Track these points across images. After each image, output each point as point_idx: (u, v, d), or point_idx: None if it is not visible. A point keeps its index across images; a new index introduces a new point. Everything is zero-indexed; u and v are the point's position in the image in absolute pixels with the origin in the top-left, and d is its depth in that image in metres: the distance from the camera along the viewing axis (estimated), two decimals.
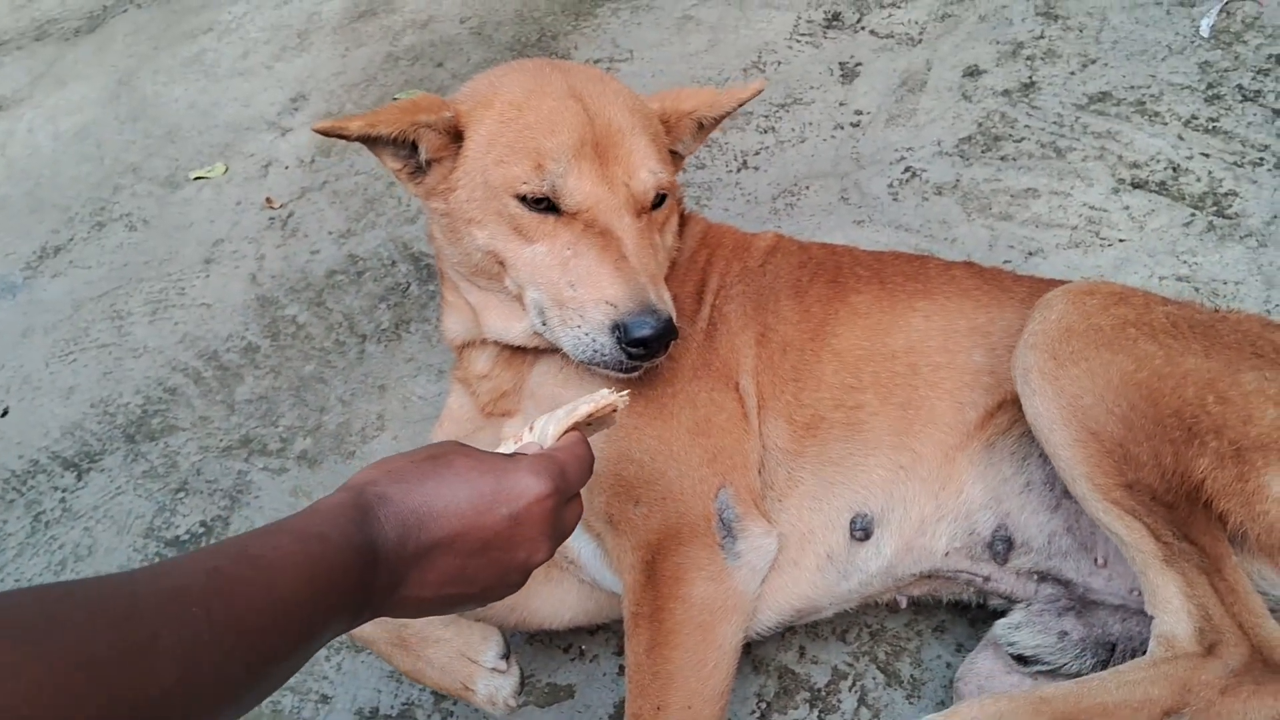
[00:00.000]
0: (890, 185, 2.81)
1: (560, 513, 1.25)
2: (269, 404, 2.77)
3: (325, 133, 1.68)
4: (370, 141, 1.71)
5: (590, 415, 1.35)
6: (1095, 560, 1.66)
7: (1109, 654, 1.63)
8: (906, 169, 2.83)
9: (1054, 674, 1.67)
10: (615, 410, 1.38)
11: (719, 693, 1.63)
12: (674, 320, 1.62)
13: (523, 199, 1.66)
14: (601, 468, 1.70)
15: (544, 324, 1.71)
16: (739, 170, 2.99)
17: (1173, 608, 1.47)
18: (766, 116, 3.13)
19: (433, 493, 1.15)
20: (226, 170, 3.61)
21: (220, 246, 3.30)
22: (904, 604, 1.84)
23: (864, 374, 1.77)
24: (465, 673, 1.78)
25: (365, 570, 1.06)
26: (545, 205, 1.66)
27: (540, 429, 1.36)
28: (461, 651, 1.80)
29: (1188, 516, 1.46)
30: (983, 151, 2.81)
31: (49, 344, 3.14)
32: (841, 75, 3.20)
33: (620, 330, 1.59)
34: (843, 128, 3.02)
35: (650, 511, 1.67)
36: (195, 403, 2.83)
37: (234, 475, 2.62)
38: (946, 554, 1.73)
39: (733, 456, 1.73)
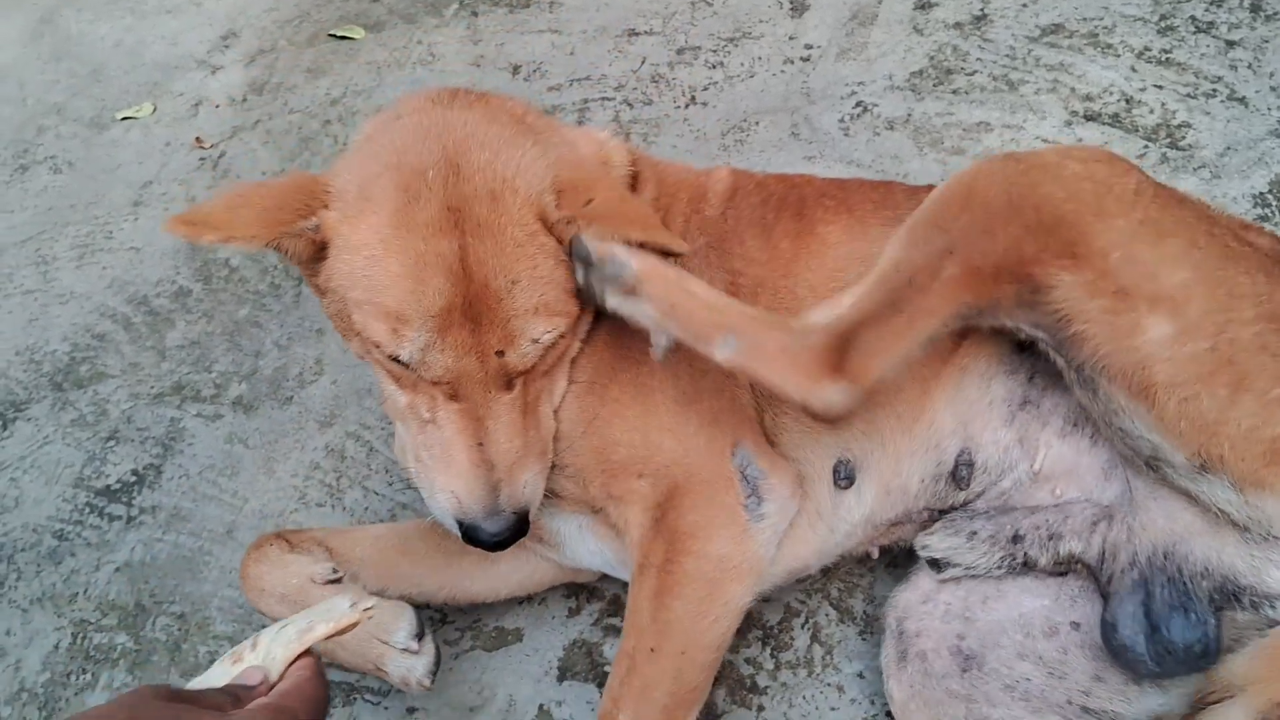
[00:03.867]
0: (841, 120, 2.75)
1: None
2: (202, 349, 2.68)
3: (179, 235, 1.44)
4: None
5: (327, 636, 1.22)
6: (1032, 467, 1.64)
7: (1015, 545, 1.62)
8: (858, 104, 2.78)
9: (968, 577, 1.67)
10: (358, 624, 1.24)
11: (716, 645, 1.59)
12: (528, 515, 1.54)
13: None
14: (586, 460, 1.64)
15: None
16: (687, 106, 2.92)
17: (833, 306, 1.52)
18: (715, 51, 3.06)
19: None
20: (155, 110, 3.47)
21: (149, 189, 3.18)
22: (876, 554, 1.80)
23: None
24: (376, 654, 1.69)
25: None
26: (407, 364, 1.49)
27: (265, 649, 1.21)
28: (372, 633, 1.70)
29: (970, 282, 1.45)
30: (934, 85, 2.75)
31: None
32: (791, 9, 3.13)
33: (462, 527, 1.52)
34: (792, 62, 2.96)
35: (657, 480, 1.61)
36: (125, 349, 2.73)
37: (166, 423, 2.53)
38: (918, 494, 1.69)
39: (734, 414, 1.66)
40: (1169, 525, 1.48)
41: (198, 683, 1.20)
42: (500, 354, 1.48)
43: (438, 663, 1.74)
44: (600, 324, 1.66)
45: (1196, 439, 1.37)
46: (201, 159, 3.23)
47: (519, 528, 1.53)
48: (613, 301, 1.53)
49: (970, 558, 1.65)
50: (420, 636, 1.72)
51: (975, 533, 1.65)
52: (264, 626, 1.37)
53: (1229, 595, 1.43)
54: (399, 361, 1.48)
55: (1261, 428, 1.35)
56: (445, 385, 1.49)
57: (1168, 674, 1.48)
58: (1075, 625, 1.59)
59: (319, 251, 1.52)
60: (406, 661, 1.69)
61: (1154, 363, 1.37)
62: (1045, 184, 1.45)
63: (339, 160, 1.59)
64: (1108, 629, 1.51)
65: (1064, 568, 1.60)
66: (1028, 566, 1.62)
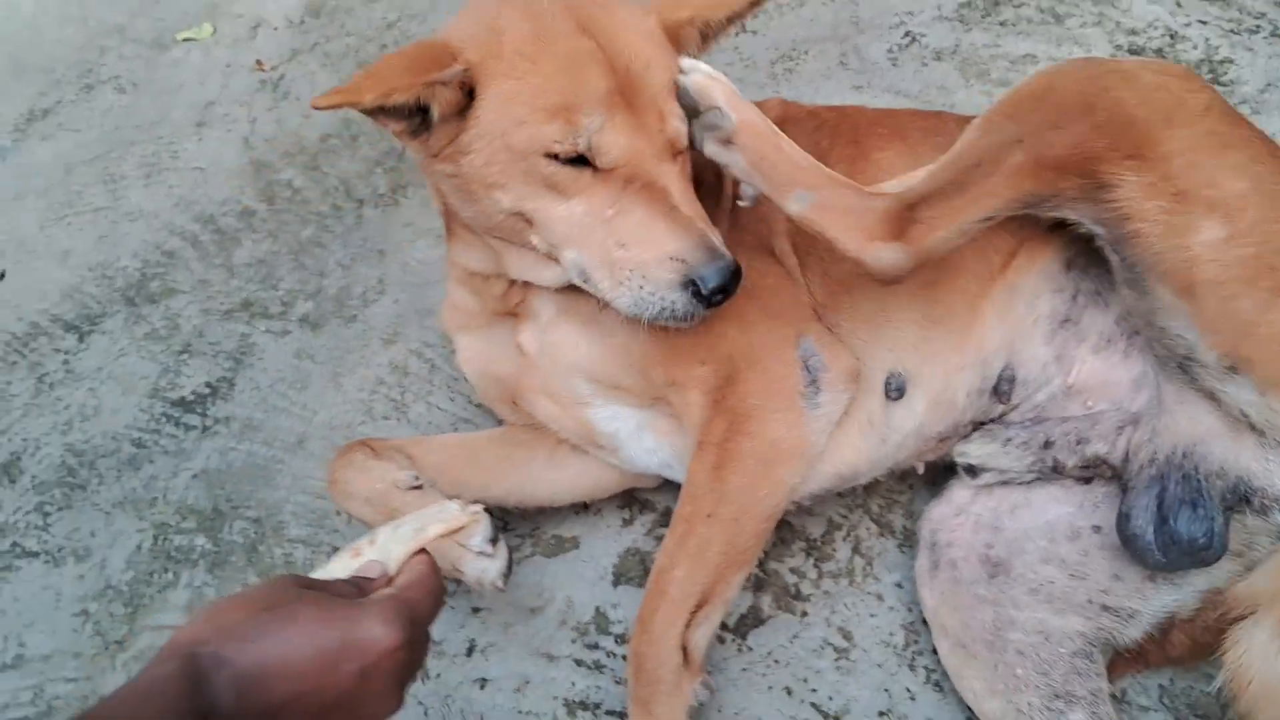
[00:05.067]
0: (889, 50, 2.80)
1: (411, 660, 1.18)
2: (268, 268, 2.79)
3: (331, 107, 1.51)
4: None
5: (441, 536, 1.29)
6: (1067, 381, 1.74)
7: (1045, 450, 1.72)
8: (906, 34, 2.83)
9: (1000, 484, 1.78)
10: (466, 526, 1.31)
11: (767, 515, 1.71)
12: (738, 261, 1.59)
13: (555, 157, 1.55)
14: (650, 349, 1.73)
15: (586, 281, 1.65)
16: (737, 34, 2.97)
17: (904, 181, 1.65)
18: None
19: (272, 650, 1.05)
20: (214, 31, 3.55)
21: (211, 110, 3.27)
22: (921, 470, 1.91)
23: None
24: (455, 556, 1.79)
25: None
26: (579, 161, 1.56)
27: (383, 545, 1.29)
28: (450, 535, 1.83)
29: (1035, 172, 1.53)
30: (982, 16, 2.80)
31: (42, 207, 3.13)
32: None
33: (695, 284, 1.55)
34: None
35: (719, 365, 1.70)
36: (194, 266, 2.84)
37: (236, 337, 2.65)
38: (964, 408, 1.78)
39: (795, 309, 1.75)
40: (1191, 428, 1.57)
41: (320, 574, 1.30)
42: (661, 131, 1.60)
43: (510, 566, 1.85)
44: None
45: (1230, 338, 1.45)
46: (262, 81, 3.31)
47: (740, 272, 1.58)
48: (710, 149, 1.65)
49: (1004, 462, 1.75)
50: (494, 541, 1.82)
51: (1010, 439, 1.75)
52: (349, 527, 1.45)
53: (1241, 496, 1.53)
54: (576, 159, 1.56)
55: None
56: (622, 169, 1.58)
57: (1173, 566, 1.58)
58: (1096, 529, 1.69)
59: (464, 100, 1.59)
60: (481, 564, 1.80)
61: (1201, 262, 1.44)
62: (1120, 88, 1.51)
63: (444, 29, 1.67)
64: (1121, 519, 1.61)
65: (1090, 472, 1.70)
66: (1056, 471, 1.72)
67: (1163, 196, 1.46)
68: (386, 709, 1.16)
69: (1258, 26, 2.58)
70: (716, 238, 1.58)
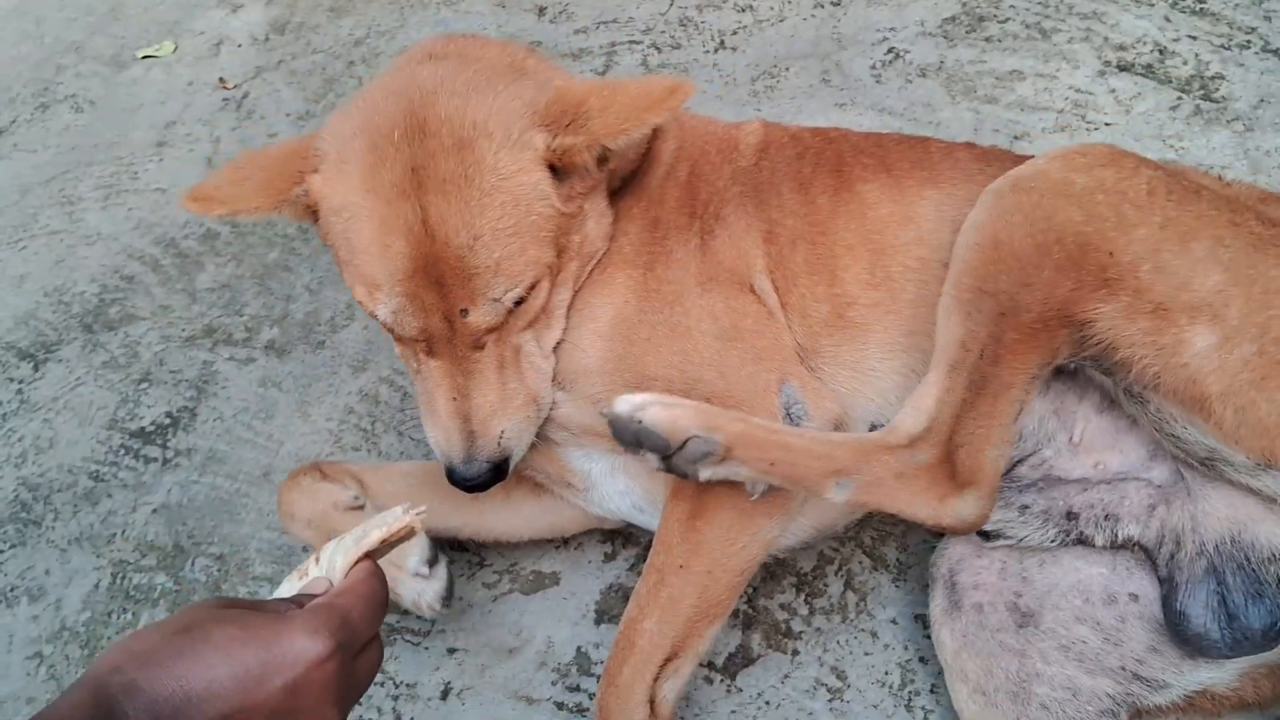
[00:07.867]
0: (873, 67, 2.74)
1: (348, 670, 1.12)
2: (232, 292, 2.69)
3: (186, 208, 1.56)
4: None
5: (384, 541, 1.23)
6: (1070, 438, 1.66)
7: (1069, 522, 1.64)
8: (889, 50, 2.77)
9: (1019, 548, 1.68)
10: (414, 532, 1.25)
11: (742, 569, 1.64)
12: (506, 464, 1.63)
13: None
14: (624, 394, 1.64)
15: None
16: (716, 50, 2.91)
17: (920, 407, 1.51)
18: None
19: (188, 674, 1.00)
20: (176, 49, 3.45)
21: (173, 129, 3.17)
22: None
23: (876, 270, 1.71)
24: (390, 577, 1.72)
25: None
26: None
27: (328, 560, 1.24)
28: (387, 559, 1.74)
29: (1030, 340, 1.46)
30: (967, 32, 2.74)
31: None
32: None
33: (445, 468, 1.62)
34: (823, 6, 2.94)
35: None
36: (154, 291, 2.74)
37: (199, 365, 2.55)
38: None
39: (778, 352, 1.67)
40: (1231, 513, 1.49)
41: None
42: (465, 313, 1.52)
43: (450, 589, 1.80)
44: (620, 268, 1.69)
45: (1258, 443, 1.39)
46: (225, 99, 3.22)
47: (494, 475, 1.62)
48: (706, 474, 1.51)
49: (1022, 531, 1.65)
50: (433, 562, 1.78)
51: (1026, 507, 1.65)
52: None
53: None
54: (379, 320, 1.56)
55: None
56: (421, 343, 1.56)
57: (1239, 654, 1.51)
58: (1134, 597, 1.60)
59: (315, 214, 1.58)
60: (418, 586, 1.77)
61: (1204, 375, 1.39)
62: (1061, 210, 1.45)
63: (331, 117, 1.64)
64: (1177, 618, 1.52)
65: (1120, 547, 1.62)
66: (1082, 543, 1.63)
67: (1142, 316, 1.41)
68: None
69: (1248, 41, 2.54)
70: (485, 441, 1.60)
